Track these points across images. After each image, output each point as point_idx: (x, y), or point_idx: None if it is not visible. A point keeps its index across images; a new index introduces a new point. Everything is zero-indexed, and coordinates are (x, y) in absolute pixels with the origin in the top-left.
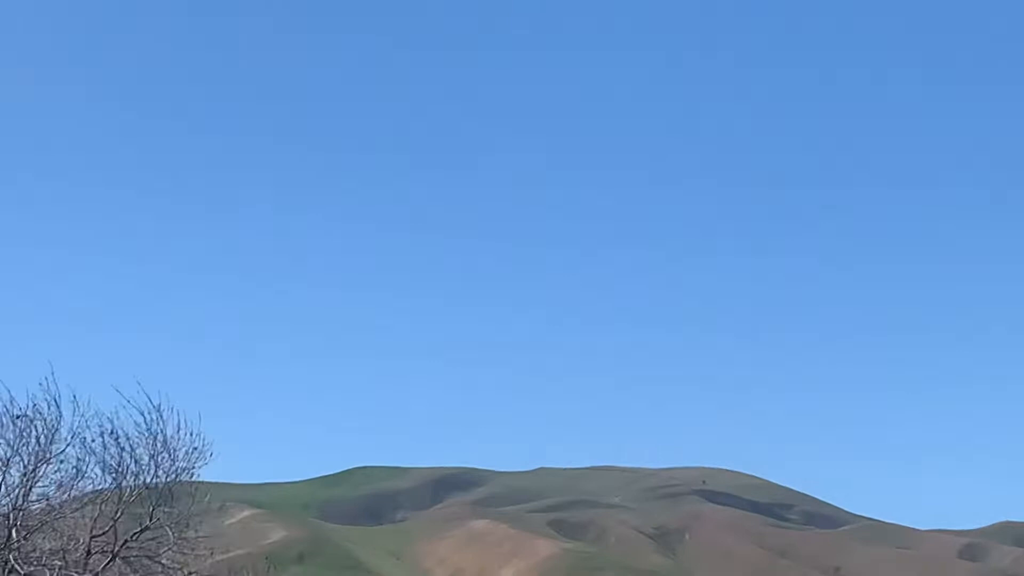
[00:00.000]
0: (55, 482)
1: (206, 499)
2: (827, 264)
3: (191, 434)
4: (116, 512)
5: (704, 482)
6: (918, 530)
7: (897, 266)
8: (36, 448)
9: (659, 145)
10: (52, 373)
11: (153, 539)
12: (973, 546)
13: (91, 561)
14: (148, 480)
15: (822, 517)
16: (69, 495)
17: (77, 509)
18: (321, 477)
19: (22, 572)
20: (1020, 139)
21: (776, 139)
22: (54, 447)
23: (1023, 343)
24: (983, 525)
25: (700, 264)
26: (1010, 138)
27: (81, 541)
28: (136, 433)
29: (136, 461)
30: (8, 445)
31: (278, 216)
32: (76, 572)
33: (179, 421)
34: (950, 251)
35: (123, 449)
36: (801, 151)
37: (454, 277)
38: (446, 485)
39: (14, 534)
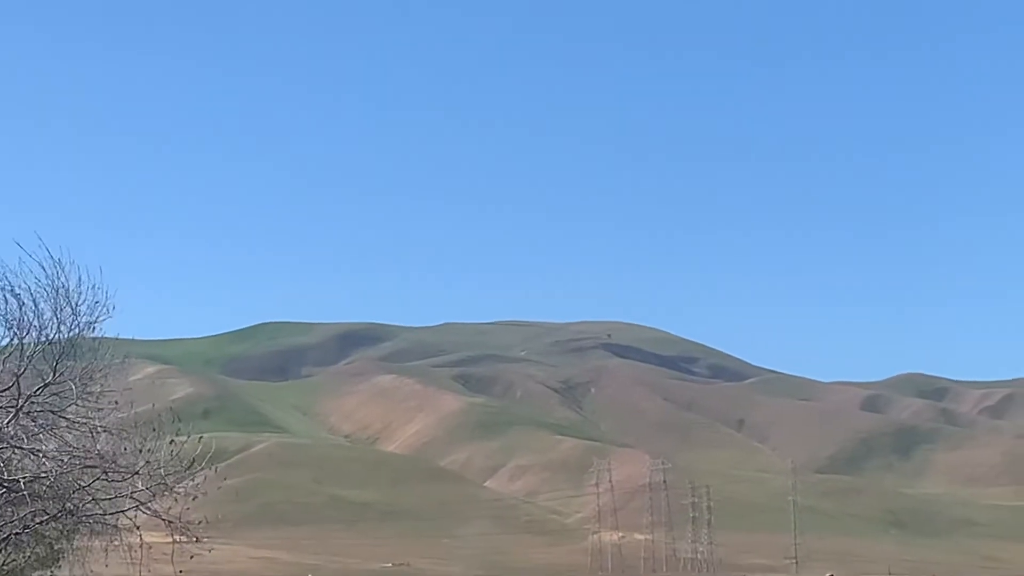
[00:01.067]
0: None
1: (108, 353)
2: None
3: (94, 288)
4: (19, 368)
5: (610, 336)
6: (821, 382)
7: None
8: None
9: None
10: None
11: (57, 394)
12: (875, 397)
13: None
14: (51, 335)
15: (727, 370)
16: None
17: None
18: (227, 333)
19: None
20: None
21: None
22: None
23: (935, 198)
24: (885, 377)
25: (616, 113)
26: None
27: None
28: (37, 288)
29: (39, 316)
30: None
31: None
32: None
33: (80, 275)
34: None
35: (24, 304)
36: None
37: (356, 134)
38: (352, 340)
39: None
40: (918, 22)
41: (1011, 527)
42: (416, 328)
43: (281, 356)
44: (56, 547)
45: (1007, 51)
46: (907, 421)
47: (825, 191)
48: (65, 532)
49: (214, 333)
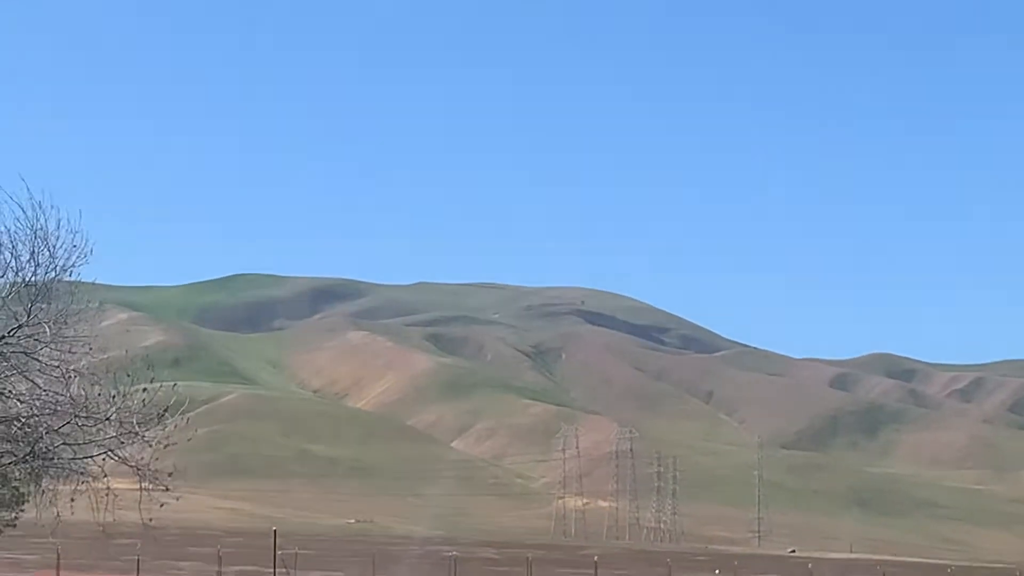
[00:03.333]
0: None
1: (86, 299)
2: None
3: (72, 232)
4: None
5: (583, 302)
6: (791, 358)
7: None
8: None
9: None
10: None
11: (30, 336)
12: (845, 376)
13: None
14: (27, 277)
15: (698, 341)
16: None
17: None
18: (200, 283)
19: None
20: None
21: None
22: None
23: (915, 178)
24: (856, 356)
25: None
26: None
27: None
28: (16, 229)
29: (16, 258)
30: None
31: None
32: None
33: (60, 218)
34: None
35: (1, 244)
36: None
37: (340, 80)
38: (325, 296)
39: None
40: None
41: (973, 511)
42: (390, 286)
43: (253, 308)
44: (21, 490)
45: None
46: (875, 400)
47: (803, 165)
48: (32, 475)
49: (187, 282)
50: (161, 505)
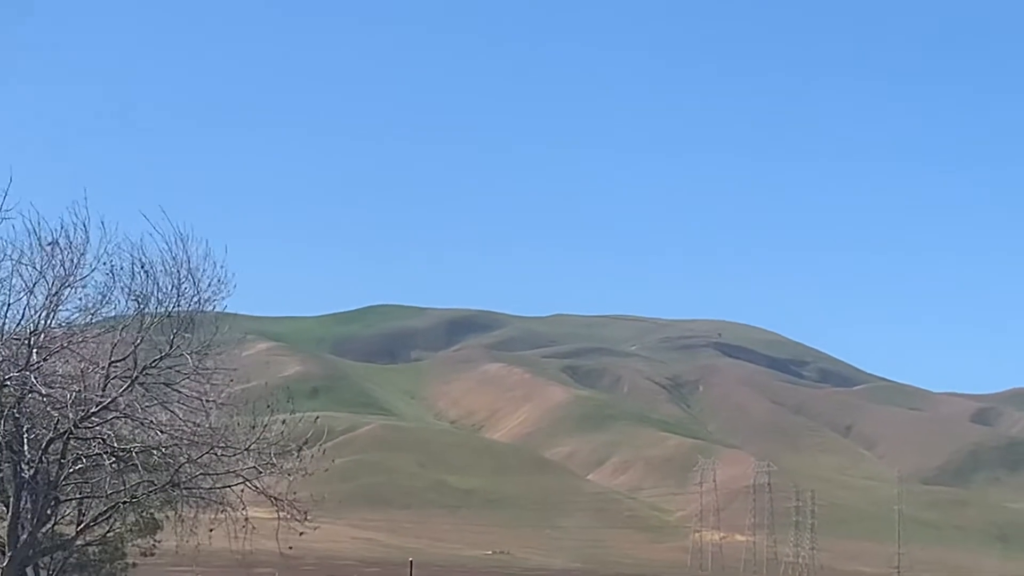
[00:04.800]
0: (79, 307)
1: (227, 330)
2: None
3: (215, 265)
4: (137, 338)
5: (720, 335)
6: (931, 392)
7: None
8: (61, 272)
9: None
10: (84, 198)
11: (172, 367)
12: (985, 411)
13: (109, 386)
14: (170, 308)
15: (837, 375)
16: (92, 320)
17: (99, 334)
18: (338, 313)
19: (42, 392)
20: None
21: None
22: (79, 271)
23: None
24: (996, 391)
25: (719, 111)
26: None
27: (100, 366)
28: (161, 261)
29: (160, 289)
30: (35, 268)
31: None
32: (94, 396)
33: (204, 251)
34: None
35: (148, 276)
36: None
37: (477, 119)
38: (462, 327)
39: (35, 355)
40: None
41: None
42: (526, 318)
43: (390, 339)
44: (157, 516)
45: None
46: (1017, 435)
47: (939, 198)
48: (169, 503)
49: (325, 313)
50: (300, 534)
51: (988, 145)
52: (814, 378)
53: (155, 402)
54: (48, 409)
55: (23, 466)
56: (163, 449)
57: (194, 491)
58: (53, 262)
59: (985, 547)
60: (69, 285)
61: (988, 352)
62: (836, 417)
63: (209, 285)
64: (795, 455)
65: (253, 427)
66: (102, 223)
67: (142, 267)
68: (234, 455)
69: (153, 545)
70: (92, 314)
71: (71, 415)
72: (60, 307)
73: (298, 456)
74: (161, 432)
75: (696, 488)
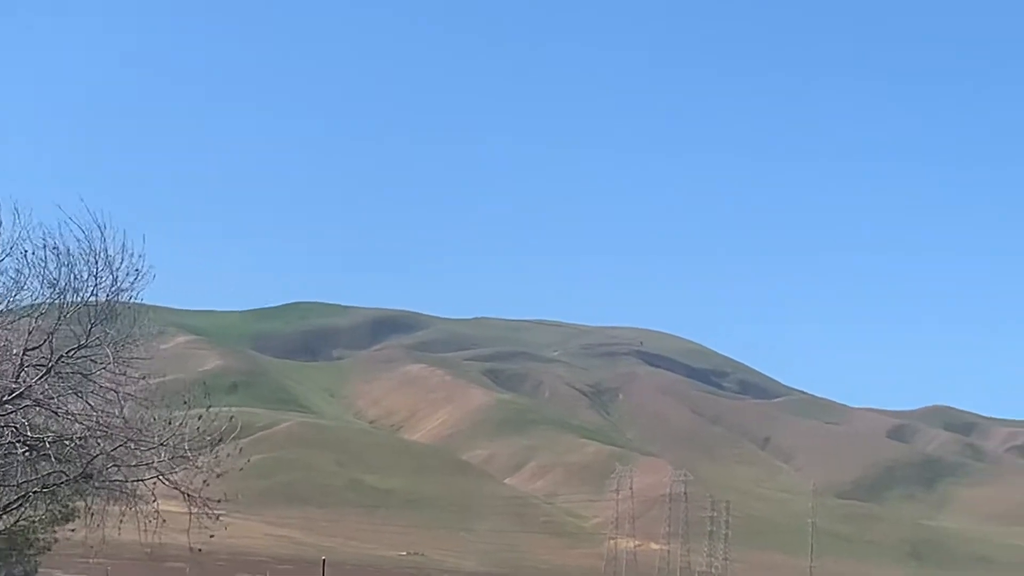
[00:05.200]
0: None
1: (146, 321)
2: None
3: (133, 255)
4: (53, 327)
5: (642, 343)
6: (849, 407)
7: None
8: None
9: None
10: None
11: (89, 357)
12: (903, 427)
13: (23, 374)
14: (87, 297)
15: (756, 387)
16: (5, 307)
17: (13, 321)
18: (260, 309)
19: None
20: None
21: None
22: None
23: (977, 234)
24: (913, 408)
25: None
26: None
27: (15, 353)
28: (78, 250)
29: (76, 277)
30: None
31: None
32: (8, 383)
33: (122, 241)
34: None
35: (64, 264)
36: None
37: (423, 115)
38: (385, 327)
39: None
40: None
41: None
42: (449, 319)
43: (312, 336)
44: (70, 506)
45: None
46: (932, 453)
47: (865, 214)
48: (81, 493)
49: (248, 308)
50: (212, 536)
51: (917, 158)
52: (734, 389)
53: (70, 392)
54: None
55: None
56: (76, 440)
57: (106, 483)
58: None
59: (898, 563)
60: None
61: (906, 370)
62: (754, 429)
63: (127, 275)
64: (712, 465)
65: (169, 422)
66: (15, 209)
67: (55, 252)
68: (148, 448)
69: (63, 536)
70: (6, 301)
71: None
72: None
73: (213, 452)
74: (75, 422)
75: (613, 495)
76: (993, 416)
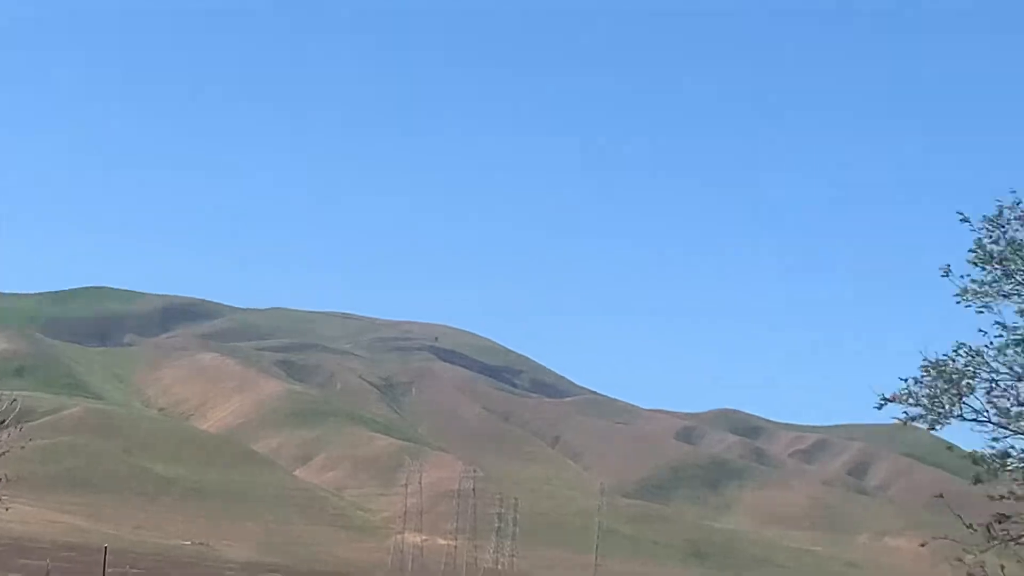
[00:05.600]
0: None
1: None
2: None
3: None
4: None
5: (437, 339)
6: (639, 408)
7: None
8: None
9: None
10: None
11: None
12: (691, 429)
13: None
14: None
15: (549, 386)
16: None
17: None
18: (51, 292)
19: None
20: None
21: None
22: None
23: (766, 240)
24: (701, 410)
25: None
26: None
27: None
28: None
29: None
30: None
31: None
32: None
33: None
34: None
35: None
36: None
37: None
38: (177, 314)
39: None
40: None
41: (808, 571)
42: (243, 309)
43: (103, 322)
44: None
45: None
46: (719, 455)
47: (656, 215)
48: None
49: (37, 291)
50: None
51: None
52: (526, 387)
53: None
54: None
55: None
56: None
57: None
58: None
59: (681, 563)
60: None
61: (696, 373)
62: (545, 427)
63: None
64: (502, 462)
65: None
66: None
67: None
68: None
69: None
70: None
71: None
72: None
73: None
74: None
75: (402, 489)
76: (779, 420)
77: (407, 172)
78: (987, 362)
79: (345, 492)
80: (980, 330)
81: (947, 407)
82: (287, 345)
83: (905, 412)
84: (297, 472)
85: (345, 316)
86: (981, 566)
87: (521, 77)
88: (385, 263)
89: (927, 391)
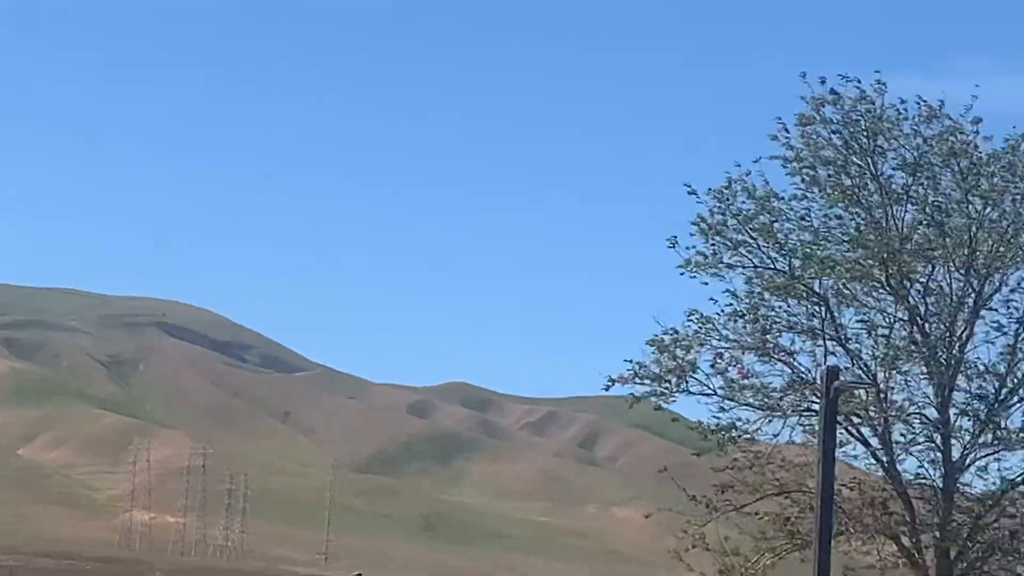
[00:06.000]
0: None
1: None
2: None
3: None
4: None
5: (164, 315)
6: (370, 382)
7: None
8: None
9: None
10: None
11: None
12: (422, 403)
13: None
14: None
15: (280, 361)
16: None
17: None
18: None
19: None
20: None
21: None
22: None
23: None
24: (432, 384)
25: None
26: None
27: None
28: None
29: None
30: None
31: None
32: None
33: None
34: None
35: None
36: None
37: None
38: None
39: None
40: None
41: (537, 542)
42: None
43: None
44: None
45: None
46: (450, 429)
47: (394, 183)
48: None
49: None
50: None
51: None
52: (256, 363)
53: None
54: None
55: None
56: None
57: None
58: None
59: (412, 536)
60: None
61: (425, 346)
62: (275, 403)
63: None
64: (233, 439)
65: None
66: None
67: None
68: None
69: None
70: None
71: None
72: None
73: None
74: None
75: (130, 467)
76: (509, 393)
77: (126, 136)
78: (717, 328)
79: (72, 471)
80: (711, 299)
81: (673, 384)
82: (11, 322)
83: (631, 392)
84: (21, 451)
85: (70, 292)
86: (702, 537)
87: None
88: (106, 236)
89: (652, 371)
